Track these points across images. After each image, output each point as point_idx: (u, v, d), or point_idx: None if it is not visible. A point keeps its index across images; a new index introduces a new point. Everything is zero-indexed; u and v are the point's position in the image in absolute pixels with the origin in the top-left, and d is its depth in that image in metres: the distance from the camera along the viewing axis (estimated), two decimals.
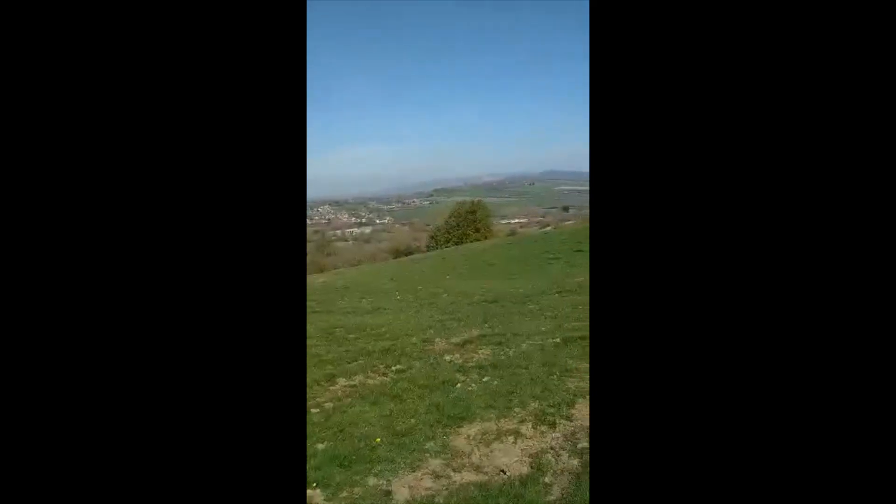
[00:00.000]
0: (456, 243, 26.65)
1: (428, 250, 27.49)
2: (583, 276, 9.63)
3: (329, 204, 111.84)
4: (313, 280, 13.89)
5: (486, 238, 27.14)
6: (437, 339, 5.56)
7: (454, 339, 5.49)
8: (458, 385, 4.04)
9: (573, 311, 6.49)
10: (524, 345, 4.98)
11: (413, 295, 9.81)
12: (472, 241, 25.75)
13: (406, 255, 27.94)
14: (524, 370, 4.21)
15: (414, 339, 5.60)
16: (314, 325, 6.71)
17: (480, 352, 4.91)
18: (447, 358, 4.85)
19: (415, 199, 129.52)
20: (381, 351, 5.20)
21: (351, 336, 6.06)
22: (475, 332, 5.70)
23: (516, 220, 72.28)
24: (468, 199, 35.38)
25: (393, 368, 4.64)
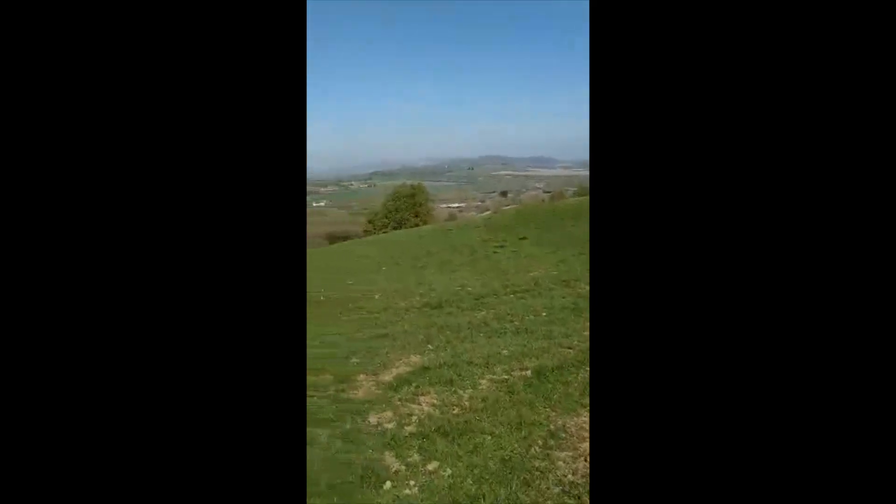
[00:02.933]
0: (395, 227, 25.90)
1: (366, 235, 26.42)
2: (536, 271, 8.50)
3: None
4: None
5: (425, 223, 26.51)
6: (359, 377, 3.88)
7: (385, 376, 3.88)
8: (387, 486, 2.38)
9: (536, 321, 5.11)
10: (483, 381, 3.56)
11: (341, 293, 8.25)
12: (411, 226, 25.02)
13: (343, 239, 26.56)
14: (489, 437, 2.76)
15: (327, 377, 3.90)
16: None
17: (423, 399, 3.37)
18: (372, 419, 3.10)
19: (352, 182, 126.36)
20: None
21: None
22: (415, 360, 4.21)
23: (456, 205, 71.36)
24: (407, 182, 34.49)
25: None
